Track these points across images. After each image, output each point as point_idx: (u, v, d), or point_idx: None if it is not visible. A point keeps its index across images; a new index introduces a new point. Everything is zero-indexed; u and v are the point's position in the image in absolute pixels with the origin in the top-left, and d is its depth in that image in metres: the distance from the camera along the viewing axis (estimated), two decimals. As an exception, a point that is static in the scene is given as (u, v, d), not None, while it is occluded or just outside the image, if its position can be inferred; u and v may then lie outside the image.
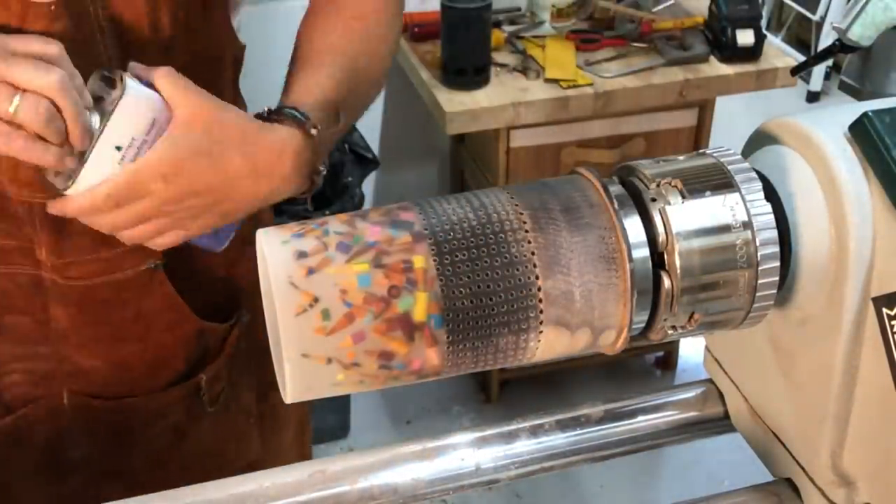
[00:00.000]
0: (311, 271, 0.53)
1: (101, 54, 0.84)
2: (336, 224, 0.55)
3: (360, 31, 0.97)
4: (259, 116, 0.87)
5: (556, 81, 1.98)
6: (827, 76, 3.44)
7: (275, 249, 0.54)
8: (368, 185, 2.36)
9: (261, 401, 1.13)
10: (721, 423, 0.74)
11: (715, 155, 0.58)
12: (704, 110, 2.14)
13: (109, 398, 0.99)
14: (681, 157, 0.59)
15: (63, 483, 1.02)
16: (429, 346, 0.55)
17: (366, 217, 0.56)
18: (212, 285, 1.03)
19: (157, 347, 0.99)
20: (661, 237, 0.55)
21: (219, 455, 1.09)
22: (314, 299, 0.53)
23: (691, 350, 2.46)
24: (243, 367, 1.09)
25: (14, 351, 0.95)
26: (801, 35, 3.56)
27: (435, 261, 0.54)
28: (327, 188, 2.19)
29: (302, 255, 0.53)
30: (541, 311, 0.55)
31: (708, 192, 0.56)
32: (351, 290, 0.53)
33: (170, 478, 1.04)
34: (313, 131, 0.88)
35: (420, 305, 0.54)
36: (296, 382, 0.54)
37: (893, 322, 0.56)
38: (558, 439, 0.71)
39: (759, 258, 0.56)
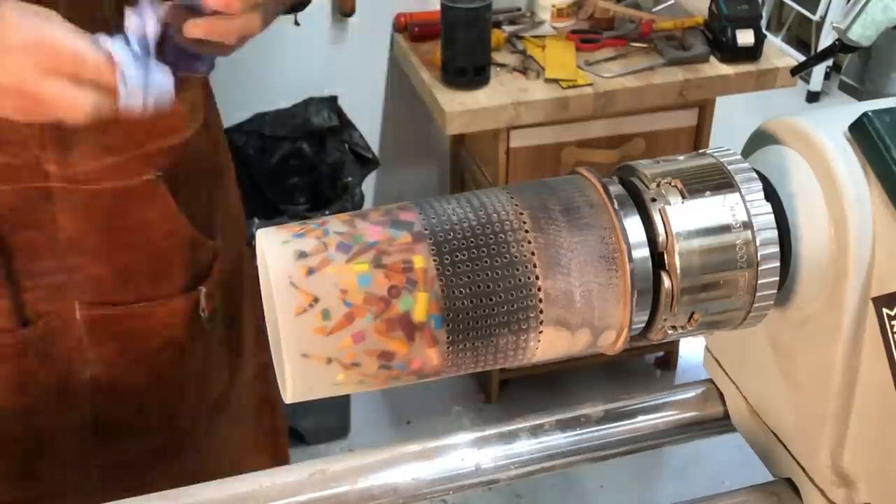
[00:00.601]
0: (311, 271, 0.53)
1: None
2: (336, 224, 0.55)
3: None
4: None
5: (556, 81, 1.98)
6: (827, 76, 3.45)
7: (275, 249, 0.54)
8: (368, 185, 2.36)
9: (229, 328, 1.17)
10: (721, 423, 0.74)
11: (715, 155, 0.58)
12: (704, 110, 2.14)
13: (117, 304, 1.02)
14: (681, 157, 0.59)
15: (76, 409, 1.05)
16: (429, 346, 0.55)
17: (366, 217, 0.56)
18: (200, 206, 1.07)
19: (158, 255, 1.02)
20: (661, 237, 0.55)
21: (204, 381, 1.14)
22: (314, 299, 0.53)
23: (691, 350, 2.46)
24: (237, 284, 1.13)
25: (29, 267, 0.98)
26: (801, 35, 3.56)
27: (435, 261, 0.54)
28: (327, 188, 2.19)
29: (302, 255, 0.53)
30: (541, 311, 0.55)
31: (708, 192, 0.56)
32: (351, 289, 0.53)
33: (169, 401, 1.07)
34: None
35: (420, 305, 0.54)
36: (296, 383, 0.54)
37: (893, 322, 0.56)
38: (558, 439, 0.71)
39: (759, 258, 0.56)
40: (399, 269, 0.54)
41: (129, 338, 1.04)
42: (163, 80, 0.78)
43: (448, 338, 0.55)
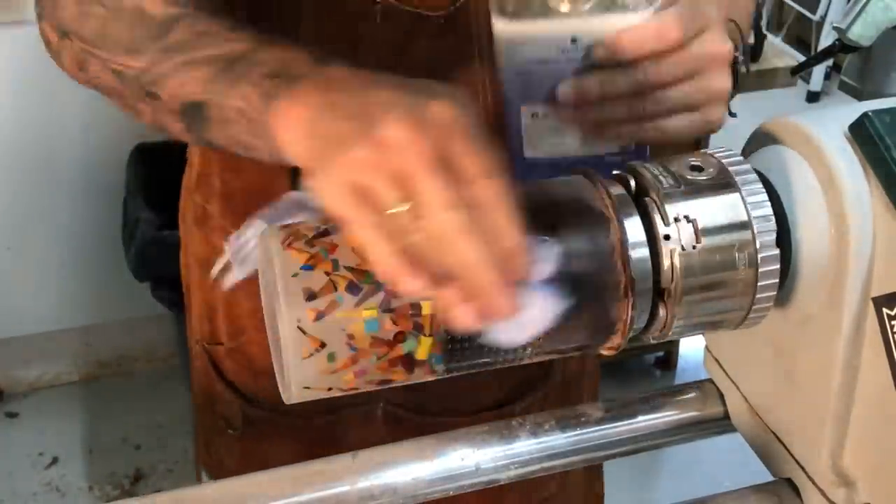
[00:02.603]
0: (319, 315, 0.53)
1: (478, 74, 0.82)
2: (346, 255, 0.54)
3: None
4: None
5: (556, 81, 1.98)
6: (827, 76, 3.45)
7: (285, 280, 0.53)
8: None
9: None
10: (721, 423, 0.74)
11: (715, 155, 0.58)
12: (704, 110, 2.14)
13: (426, 415, 0.98)
14: (681, 157, 0.59)
15: None
16: (426, 374, 0.56)
17: None
18: None
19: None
20: (661, 237, 0.55)
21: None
22: (321, 344, 0.53)
23: (691, 350, 2.46)
24: (558, 394, 1.07)
25: None
26: (801, 35, 3.56)
27: None
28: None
29: (311, 296, 0.53)
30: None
31: (708, 192, 0.56)
32: (358, 335, 0.53)
33: None
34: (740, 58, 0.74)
35: (423, 347, 0.54)
36: (295, 401, 0.56)
37: (893, 322, 0.56)
38: (558, 439, 0.71)
39: (759, 258, 0.56)
40: (407, 314, 0.54)
41: None
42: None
43: (446, 368, 0.56)
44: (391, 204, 0.50)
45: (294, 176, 0.85)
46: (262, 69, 0.60)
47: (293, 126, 0.56)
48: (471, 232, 0.49)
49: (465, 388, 0.97)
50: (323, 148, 0.53)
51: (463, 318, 0.51)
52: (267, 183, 0.87)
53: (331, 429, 0.97)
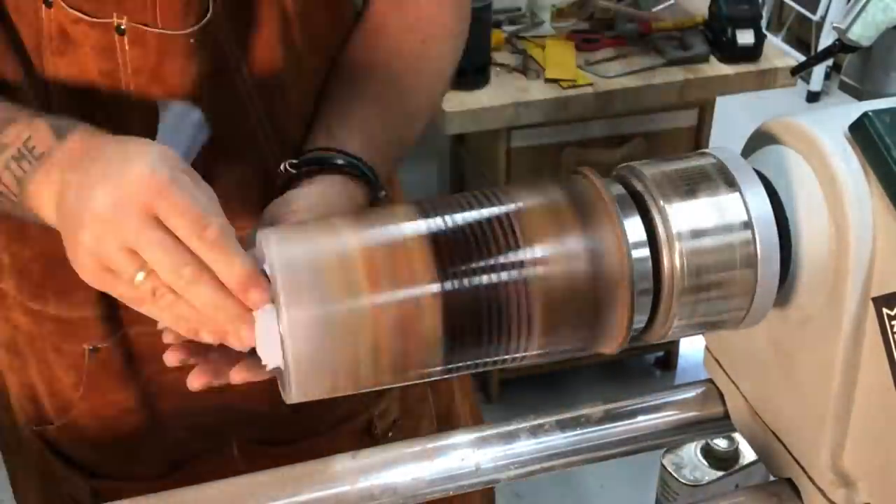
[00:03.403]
0: (319, 315, 0.54)
1: (241, 86, 0.81)
2: (345, 253, 0.55)
3: (422, 59, 0.89)
4: (323, 160, 0.79)
5: (556, 81, 1.98)
6: (827, 76, 3.45)
7: (284, 279, 0.54)
8: (368, 185, 2.36)
9: (441, 424, 1.09)
10: (721, 423, 0.74)
11: (715, 155, 0.58)
12: (704, 110, 2.14)
13: (281, 444, 0.97)
14: (681, 157, 0.59)
15: None
16: (426, 374, 0.57)
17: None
18: None
19: None
20: (661, 237, 0.55)
21: None
22: (321, 344, 0.54)
23: (691, 350, 2.46)
24: (420, 395, 1.06)
25: (178, 406, 0.92)
26: (801, 35, 3.56)
27: (435, 261, 0.54)
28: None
29: (311, 295, 0.54)
30: (540, 311, 0.55)
31: (708, 192, 0.56)
32: (359, 334, 0.54)
33: None
34: (382, 194, 0.80)
35: (423, 347, 0.55)
36: (295, 401, 0.57)
37: (893, 322, 0.56)
38: (558, 439, 0.71)
39: (759, 258, 0.56)
40: (408, 316, 0.54)
41: None
42: None
43: (446, 368, 0.56)
44: (133, 274, 0.60)
45: None
46: (9, 153, 0.68)
47: (46, 205, 0.66)
48: (197, 282, 0.58)
49: (314, 406, 0.96)
50: (66, 230, 0.63)
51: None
52: (58, 247, 0.79)
53: (187, 482, 0.94)
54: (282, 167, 0.79)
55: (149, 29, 0.75)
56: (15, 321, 0.91)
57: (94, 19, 0.74)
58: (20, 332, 0.92)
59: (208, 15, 0.77)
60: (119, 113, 0.77)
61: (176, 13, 0.75)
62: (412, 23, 0.89)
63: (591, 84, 1.97)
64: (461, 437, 0.70)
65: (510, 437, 0.70)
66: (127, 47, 0.76)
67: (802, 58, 2.45)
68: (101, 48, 0.76)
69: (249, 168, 0.84)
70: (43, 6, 0.74)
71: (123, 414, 0.93)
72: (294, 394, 0.55)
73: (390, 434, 1.03)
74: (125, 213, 0.59)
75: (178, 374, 0.90)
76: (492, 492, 1.23)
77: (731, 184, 0.57)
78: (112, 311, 0.88)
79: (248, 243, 0.60)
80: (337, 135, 0.82)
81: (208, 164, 0.73)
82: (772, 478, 0.69)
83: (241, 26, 0.80)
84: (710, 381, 0.75)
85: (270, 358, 0.56)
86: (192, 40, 0.76)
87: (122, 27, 0.75)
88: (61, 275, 0.84)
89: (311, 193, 0.75)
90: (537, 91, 1.97)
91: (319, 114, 0.86)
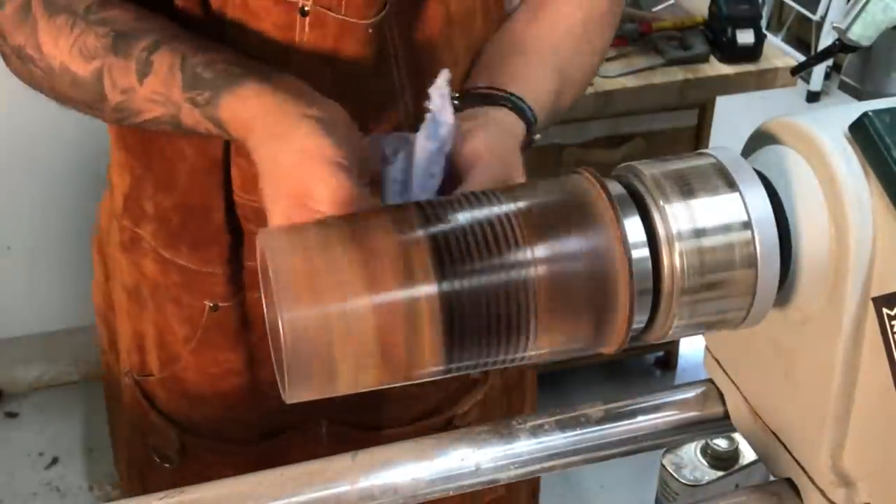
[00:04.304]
0: (319, 314, 0.54)
1: (397, 82, 0.84)
2: (345, 253, 0.55)
3: (582, 30, 0.91)
4: (489, 97, 0.81)
5: (556, 81, 1.98)
6: (827, 76, 3.45)
7: (284, 279, 0.54)
8: (368, 185, 2.36)
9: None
10: (721, 423, 0.74)
11: (715, 155, 0.58)
12: (704, 110, 2.14)
13: (368, 429, 0.99)
14: (681, 157, 0.59)
15: None
16: (426, 374, 0.56)
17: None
18: None
19: None
20: (661, 237, 0.55)
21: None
22: (321, 343, 0.54)
23: (691, 350, 2.45)
24: (497, 400, 1.07)
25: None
26: (801, 35, 3.56)
27: (434, 263, 0.54)
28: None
29: (311, 295, 0.54)
30: (540, 311, 0.55)
31: (708, 192, 0.56)
32: (358, 334, 0.54)
33: None
34: (536, 137, 0.85)
35: (423, 348, 0.55)
36: (295, 400, 0.57)
37: (893, 322, 0.56)
38: (558, 439, 0.71)
39: (759, 258, 0.56)
40: (407, 315, 0.54)
41: None
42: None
43: (446, 368, 0.55)
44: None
45: (227, 188, 0.86)
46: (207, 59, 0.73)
47: (240, 130, 0.71)
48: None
49: (403, 398, 0.98)
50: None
51: None
52: (201, 200, 0.88)
53: (273, 453, 0.95)
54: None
55: (331, 14, 0.78)
56: (143, 268, 0.94)
57: None
58: (146, 279, 0.95)
59: (386, 7, 0.79)
60: None
61: (360, 2, 0.78)
62: (573, 4, 0.91)
63: (590, 84, 1.97)
64: (461, 437, 0.70)
65: (510, 437, 0.70)
66: (307, 28, 0.78)
67: (802, 58, 2.45)
68: (281, 25, 0.78)
69: None
70: None
71: (227, 374, 0.95)
72: (291, 393, 0.55)
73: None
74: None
75: None
76: (537, 484, 1.23)
77: (731, 184, 0.57)
78: (238, 271, 0.91)
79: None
80: (496, 78, 0.84)
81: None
82: (772, 478, 0.69)
83: (406, 21, 0.83)
84: (710, 381, 0.75)
85: None
86: (370, 30, 0.79)
87: (306, 9, 0.77)
88: (198, 227, 0.88)
89: (490, 130, 0.76)
90: (537, 91, 1.97)
91: (479, 64, 0.88)
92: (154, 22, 0.77)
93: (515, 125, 0.80)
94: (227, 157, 0.85)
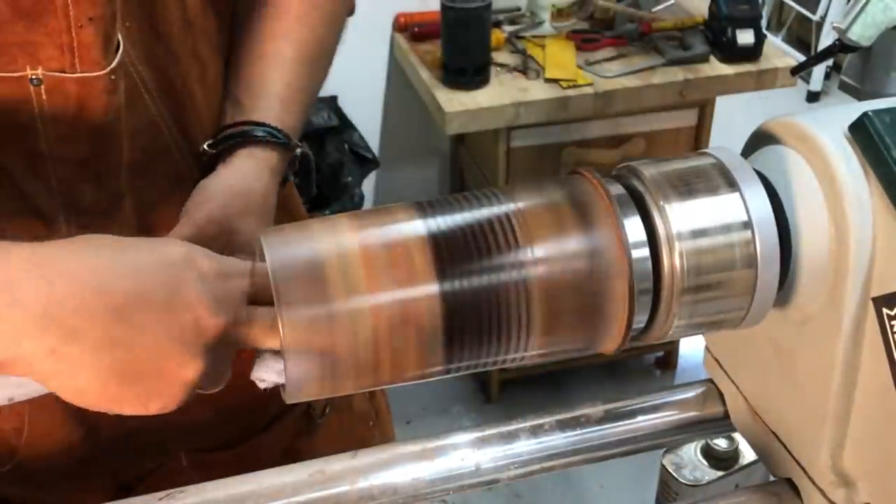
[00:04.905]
0: (318, 316, 0.54)
1: (156, 115, 0.81)
2: (344, 255, 0.55)
3: (313, 9, 0.91)
4: (236, 136, 0.83)
5: (556, 81, 1.98)
6: (827, 76, 3.45)
7: (284, 280, 0.54)
8: (368, 185, 2.36)
9: (371, 399, 1.11)
10: (721, 423, 0.74)
11: (715, 155, 0.58)
12: (704, 110, 2.14)
13: (230, 447, 0.97)
14: (681, 157, 0.59)
15: None
16: (425, 374, 0.56)
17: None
18: None
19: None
20: (662, 237, 0.55)
21: None
22: (320, 344, 0.54)
23: (691, 350, 2.46)
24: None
25: (120, 431, 0.90)
26: (801, 35, 3.56)
27: (433, 262, 0.54)
28: (327, 188, 2.19)
29: (310, 296, 0.54)
30: (540, 311, 0.55)
31: (708, 192, 0.56)
32: (357, 334, 0.54)
33: None
34: (298, 151, 0.86)
35: (421, 348, 0.55)
36: (294, 401, 0.57)
37: (893, 322, 0.56)
38: (558, 439, 0.71)
39: (759, 258, 0.56)
40: (406, 313, 0.54)
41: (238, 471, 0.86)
42: None
43: (446, 368, 0.56)
44: None
45: None
46: None
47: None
48: None
49: (249, 406, 0.94)
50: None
51: None
52: None
53: None
54: (202, 148, 0.83)
55: (67, 75, 0.71)
56: None
57: (6, 74, 0.70)
58: None
59: (120, 48, 0.74)
60: (35, 165, 0.74)
61: (95, 55, 0.71)
62: None
63: (591, 84, 1.98)
64: (461, 437, 0.70)
65: (510, 437, 0.70)
66: (44, 96, 0.71)
67: (802, 58, 2.45)
68: (16, 100, 0.71)
69: (167, 182, 0.84)
70: None
71: (67, 451, 0.91)
72: (292, 394, 0.55)
73: (327, 410, 1.04)
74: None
75: None
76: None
77: (731, 184, 0.57)
78: None
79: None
80: (246, 105, 0.85)
81: (131, 183, 0.76)
82: (772, 478, 0.69)
83: (145, 43, 0.79)
84: (710, 381, 0.75)
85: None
86: (112, 77, 0.73)
87: (38, 77, 0.71)
88: None
89: (222, 175, 0.79)
90: (537, 91, 1.97)
91: (227, 89, 0.88)
92: None
93: (263, 159, 0.83)
94: None
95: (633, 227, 0.55)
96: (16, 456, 0.91)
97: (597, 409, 0.72)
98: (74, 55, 0.71)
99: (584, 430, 0.71)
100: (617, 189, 0.57)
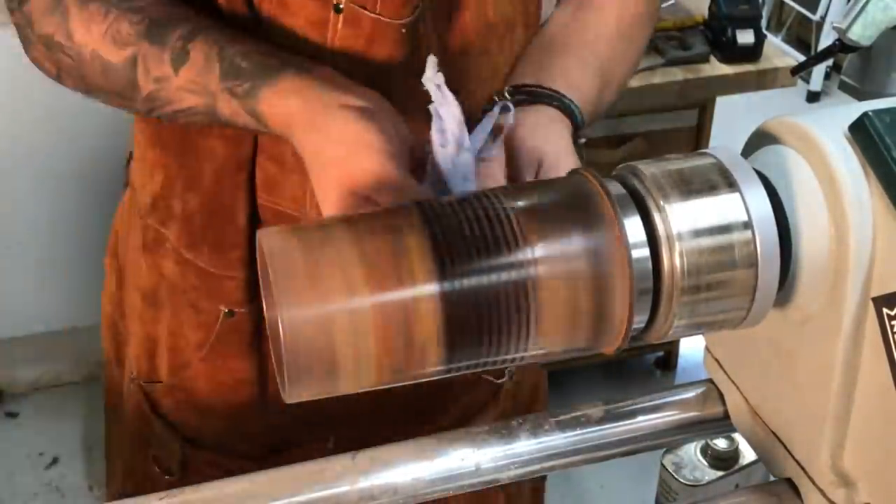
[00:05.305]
0: (319, 314, 0.54)
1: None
2: (344, 253, 0.55)
3: (621, 31, 0.92)
4: (530, 94, 0.82)
5: (556, 81, 1.98)
6: (827, 76, 3.45)
7: (284, 278, 0.54)
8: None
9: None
10: (721, 423, 0.74)
11: (715, 155, 0.58)
12: (704, 110, 2.14)
13: (374, 443, 0.98)
14: (681, 157, 0.59)
15: None
16: (425, 374, 0.56)
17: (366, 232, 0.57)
18: None
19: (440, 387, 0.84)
20: (661, 237, 0.55)
21: None
22: (320, 344, 0.54)
23: (691, 350, 2.46)
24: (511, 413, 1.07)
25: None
26: (801, 35, 3.56)
27: (434, 262, 0.54)
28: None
29: (311, 294, 0.54)
30: (540, 311, 0.55)
31: (708, 192, 0.56)
32: (358, 333, 0.54)
33: None
34: (581, 141, 0.85)
35: (423, 348, 0.55)
36: (295, 400, 0.57)
37: (893, 322, 0.56)
38: (558, 439, 0.71)
39: (759, 258, 0.56)
40: (404, 313, 0.54)
41: None
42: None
43: (447, 368, 0.55)
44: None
45: (251, 190, 0.86)
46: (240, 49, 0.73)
47: (281, 124, 0.71)
48: None
49: (411, 409, 0.96)
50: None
51: None
52: (225, 201, 0.87)
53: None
54: (498, 94, 0.81)
55: (366, 12, 0.77)
56: (163, 269, 0.94)
57: None
58: (164, 280, 0.94)
59: (419, 8, 0.78)
60: None
61: (395, 1, 0.77)
62: (611, 4, 0.92)
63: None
64: (461, 437, 0.70)
65: (510, 437, 0.70)
66: (341, 26, 0.78)
67: (802, 58, 2.45)
68: (315, 21, 0.78)
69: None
70: None
71: (237, 384, 0.94)
72: (290, 392, 0.55)
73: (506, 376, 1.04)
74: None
75: None
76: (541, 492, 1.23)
77: (731, 184, 0.57)
78: (257, 277, 0.89)
79: None
80: (542, 75, 0.84)
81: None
82: (772, 478, 0.69)
83: (442, 25, 0.83)
84: (710, 381, 0.75)
85: None
86: (402, 30, 0.78)
87: (341, 6, 0.77)
88: (220, 228, 0.88)
89: (529, 114, 0.77)
90: (537, 91, 1.96)
91: (521, 62, 0.88)
92: (188, 11, 0.77)
93: (566, 126, 0.81)
94: (253, 158, 0.85)
95: (634, 227, 0.55)
96: (187, 370, 0.95)
97: (597, 409, 0.72)
98: None
99: (584, 430, 0.71)
100: (617, 189, 0.57)
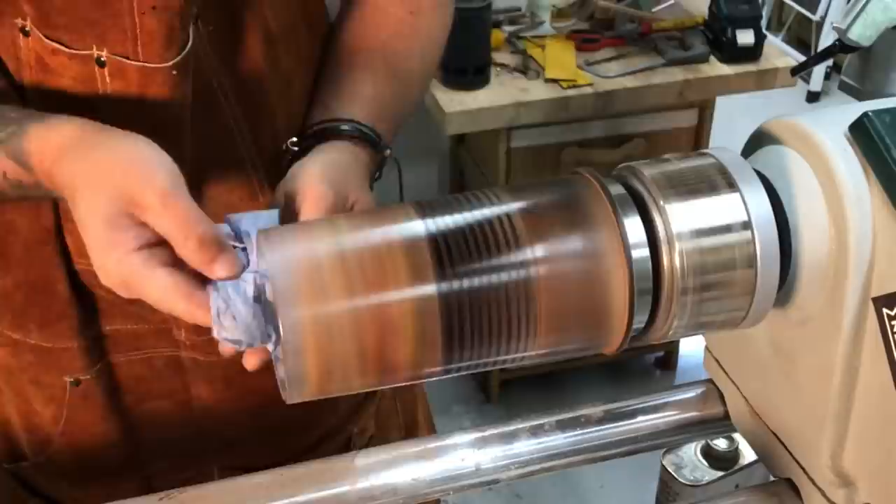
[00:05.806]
0: (318, 315, 0.54)
1: (226, 109, 0.81)
2: (343, 252, 0.55)
3: (411, 26, 0.90)
4: (323, 132, 0.81)
5: (556, 81, 1.98)
6: (827, 76, 3.45)
7: (283, 279, 0.54)
8: (368, 185, 2.35)
9: (409, 435, 1.10)
10: (721, 423, 0.74)
11: (715, 155, 0.58)
12: (704, 110, 2.14)
13: (262, 468, 0.97)
14: (681, 157, 0.59)
15: None
16: (425, 374, 0.56)
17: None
18: None
19: (307, 406, 0.89)
20: (662, 237, 0.55)
21: None
22: (320, 344, 0.54)
23: (691, 350, 2.46)
24: (390, 409, 1.06)
25: (159, 436, 0.92)
26: (801, 35, 3.56)
27: (434, 262, 0.54)
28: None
29: (310, 295, 0.54)
30: (540, 311, 0.55)
31: (708, 192, 0.56)
32: (358, 332, 0.54)
33: None
34: (387, 153, 0.83)
35: (421, 347, 0.55)
36: (296, 401, 0.57)
37: (893, 322, 0.56)
38: (558, 439, 0.71)
39: (759, 258, 0.56)
40: (403, 312, 0.54)
41: None
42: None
43: (445, 369, 0.55)
44: None
45: (66, 258, 0.82)
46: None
47: (48, 160, 0.65)
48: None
49: (291, 430, 0.95)
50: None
51: None
52: (41, 273, 0.83)
53: None
54: (285, 145, 0.80)
55: (129, 62, 0.73)
56: None
57: (73, 51, 0.73)
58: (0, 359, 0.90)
59: (188, 46, 0.75)
60: None
61: (157, 46, 0.73)
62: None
63: (591, 84, 1.97)
64: (461, 437, 0.70)
65: (510, 437, 0.70)
66: (108, 79, 0.74)
67: (802, 58, 2.45)
68: (82, 79, 0.74)
69: (236, 192, 0.83)
70: (20, 35, 0.73)
71: (104, 448, 0.91)
72: (290, 393, 0.55)
73: (370, 441, 1.03)
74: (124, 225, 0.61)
75: (160, 403, 0.90)
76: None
77: (731, 184, 0.57)
78: (94, 341, 0.87)
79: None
80: (333, 106, 0.83)
81: (196, 188, 0.74)
82: (772, 478, 0.69)
83: (225, 50, 0.79)
84: (710, 381, 0.75)
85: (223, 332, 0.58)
86: (173, 72, 0.74)
87: (103, 59, 0.73)
88: (43, 302, 0.84)
89: (318, 160, 0.76)
90: (537, 91, 1.97)
91: (315, 95, 0.87)
92: None
93: (352, 150, 0.79)
94: (58, 225, 0.82)
95: (634, 227, 0.55)
96: (51, 446, 0.91)
97: (597, 410, 0.72)
98: (137, 42, 0.73)
99: (584, 431, 0.71)
100: (617, 189, 0.57)
